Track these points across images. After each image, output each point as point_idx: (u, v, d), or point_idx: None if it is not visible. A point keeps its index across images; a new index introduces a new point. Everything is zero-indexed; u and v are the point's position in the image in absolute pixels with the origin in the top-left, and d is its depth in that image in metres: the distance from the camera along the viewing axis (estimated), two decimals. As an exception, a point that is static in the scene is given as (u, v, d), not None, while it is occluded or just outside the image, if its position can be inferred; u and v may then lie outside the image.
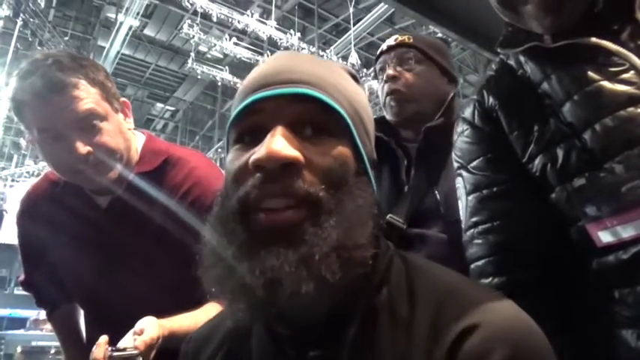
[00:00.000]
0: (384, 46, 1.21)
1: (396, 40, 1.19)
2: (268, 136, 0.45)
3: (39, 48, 8.80)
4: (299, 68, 0.50)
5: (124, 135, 0.97)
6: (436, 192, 1.06)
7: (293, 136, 0.46)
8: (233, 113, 0.51)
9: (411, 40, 1.17)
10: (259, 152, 0.44)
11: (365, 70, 10.54)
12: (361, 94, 0.55)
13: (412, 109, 1.14)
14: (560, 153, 0.63)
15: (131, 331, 0.77)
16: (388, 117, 1.19)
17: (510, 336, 0.41)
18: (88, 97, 0.90)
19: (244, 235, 0.45)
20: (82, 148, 0.89)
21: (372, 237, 0.47)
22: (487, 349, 0.40)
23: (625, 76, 0.58)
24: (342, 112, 0.49)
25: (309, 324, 0.48)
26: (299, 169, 0.45)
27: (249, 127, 0.49)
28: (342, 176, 0.47)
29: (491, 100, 0.74)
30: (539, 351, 0.42)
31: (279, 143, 0.44)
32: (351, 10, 9.39)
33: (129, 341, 0.75)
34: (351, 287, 0.47)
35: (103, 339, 0.74)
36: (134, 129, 1.07)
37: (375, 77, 1.24)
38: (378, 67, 1.22)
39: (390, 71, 1.15)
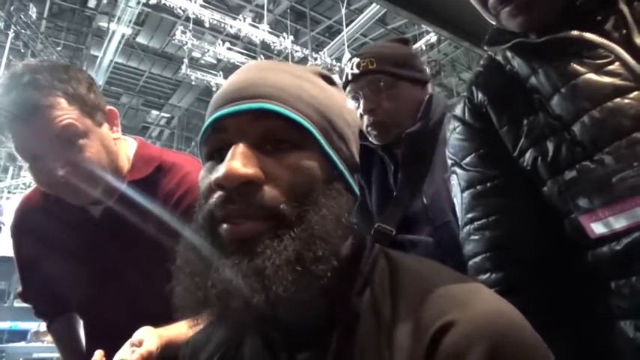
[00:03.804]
0: (349, 75, 1.15)
1: (358, 66, 1.13)
2: (229, 154, 0.46)
3: (31, 60, 8.77)
4: (263, 81, 0.50)
5: (109, 147, 0.96)
6: (423, 196, 1.06)
7: (254, 152, 0.47)
8: (202, 130, 0.52)
9: (375, 65, 1.12)
10: (219, 172, 0.45)
11: (359, 71, 10.47)
12: (335, 98, 0.55)
13: (395, 131, 1.11)
14: (550, 146, 0.63)
15: (128, 342, 0.75)
16: (372, 140, 1.15)
17: (489, 330, 0.40)
18: (64, 115, 0.87)
19: (208, 248, 0.47)
20: (59, 170, 0.87)
21: (341, 245, 0.48)
22: (465, 346, 0.39)
23: (610, 67, 0.58)
24: (306, 123, 0.49)
25: (297, 327, 0.49)
26: (259, 185, 0.45)
27: (216, 145, 0.50)
28: (306, 188, 0.47)
29: (480, 96, 0.74)
30: (523, 342, 0.41)
31: (237, 162, 0.45)
32: (344, 11, 9.41)
33: (126, 353, 0.72)
34: (334, 291, 0.47)
35: (99, 353, 0.73)
36: (126, 135, 1.06)
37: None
38: (349, 95, 1.15)
39: (367, 104, 1.11)
